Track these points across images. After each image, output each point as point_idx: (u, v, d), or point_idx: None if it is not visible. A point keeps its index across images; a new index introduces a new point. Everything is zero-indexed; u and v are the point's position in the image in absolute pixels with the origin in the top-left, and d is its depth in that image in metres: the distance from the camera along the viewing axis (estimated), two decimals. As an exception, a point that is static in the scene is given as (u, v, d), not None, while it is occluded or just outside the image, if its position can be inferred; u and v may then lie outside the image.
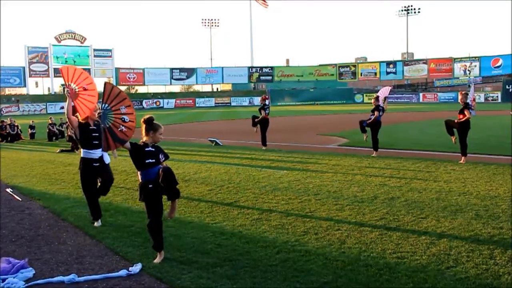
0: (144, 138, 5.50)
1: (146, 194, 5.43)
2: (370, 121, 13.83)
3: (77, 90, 6.84)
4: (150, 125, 5.48)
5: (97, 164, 7.09)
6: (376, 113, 13.79)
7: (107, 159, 7.33)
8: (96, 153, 7.08)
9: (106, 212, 7.77)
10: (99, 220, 7.13)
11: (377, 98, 14.16)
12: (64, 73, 6.82)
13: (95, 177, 7.24)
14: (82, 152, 7.15)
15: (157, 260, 5.42)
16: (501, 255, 5.33)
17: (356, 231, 6.40)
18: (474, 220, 6.76)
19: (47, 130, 23.76)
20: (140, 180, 5.50)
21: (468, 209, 7.36)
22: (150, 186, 5.38)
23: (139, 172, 5.50)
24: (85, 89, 6.89)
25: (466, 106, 11.97)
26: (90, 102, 6.95)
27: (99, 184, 7.36)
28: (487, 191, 8.63)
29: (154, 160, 5.43)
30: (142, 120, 5.47)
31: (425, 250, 5.56)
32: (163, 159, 5.52)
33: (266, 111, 16.40)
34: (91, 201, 7.16)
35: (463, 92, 12.49)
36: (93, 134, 7.00)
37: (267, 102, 16.58)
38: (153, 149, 5.47)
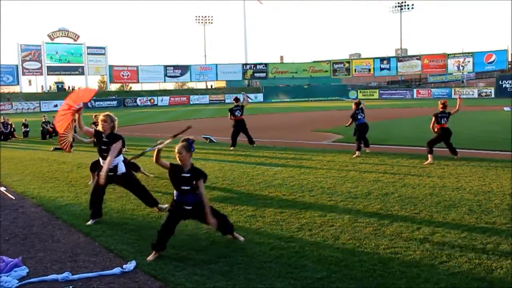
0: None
1: (177, 211, 5.64)
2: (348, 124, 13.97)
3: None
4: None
5: (112, 174, 7.14)
6: (350, 120, 13.72)
7: (120, 169, 7.25)
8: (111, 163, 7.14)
9: (100, 210, 7.77)
10: (94, 220, 7.11)
11: (356, 104, 13.91)
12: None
13: (107, 184, 7.27)
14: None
15: (150, 258, 5.42)
16: (494, 250, 5.37)
17: (350, 227, 6.42)
18: (467, 215, 6.80)
19: (41, 128, 23.65)
20: (175, 198, 5.66)
21: (462, 204, 7.40)
22: (189, 207, 5.62)
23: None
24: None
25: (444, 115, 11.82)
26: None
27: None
28: (480, 186, 8.68)
29: (189, 187, 5.57)
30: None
31: (418, 245, 5.59)
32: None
33: (236, 113, 15.61)
34: (94, 201, 7.22)
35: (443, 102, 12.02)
36: (102, 147, 7.17)
37: (239, 103, 15.85)
38: (189, 175, 5.57)
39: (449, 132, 11.81)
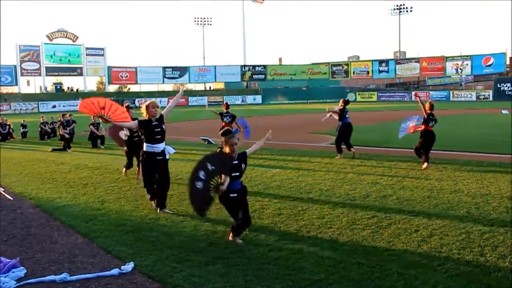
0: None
1: (226, 202, 5.98)
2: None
3: (104, 116, 7.67)
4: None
5: (160, 158, 7.64)
6: (338, 113, 13.18)
7: (170, 150, 7.81)
8: (159, 147, 7.64)
9: (98, 211, 7.78)
10: (164, 209, 7.64)
11: (345, 101, 13.37)
12: (86, 110, 7.72)
13: (156, 169, 7.71)
14: (145, 146, 7.66)
15: (237, 240, 5.93)
16: (491, 252, 5.38)
17: (348, 229, 6.43)
18: (465, 218, 6.81)
19: (39, 129, 23.64)
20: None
21: (459, 207, 7.41)
22: (235, 195, 5.94)
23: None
24: (103, 108, 7.65)
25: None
26: (120, 114, 7.89)
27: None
28: (478, 189, 8.69)
29: (238, 173, 5.94)
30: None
31: (416, 248, 5.60)
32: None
33: (224, 119, 15.13)
34: (150, 188, 7.78)
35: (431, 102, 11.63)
36: (155, 130, 7.57)
37: (229, 110, 15.39)
38: (237, 161, 5.94)
39: (433, 136, 11.25)
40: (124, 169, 11.21)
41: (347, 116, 13.23)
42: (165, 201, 7.80)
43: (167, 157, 7.80)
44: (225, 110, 15.47)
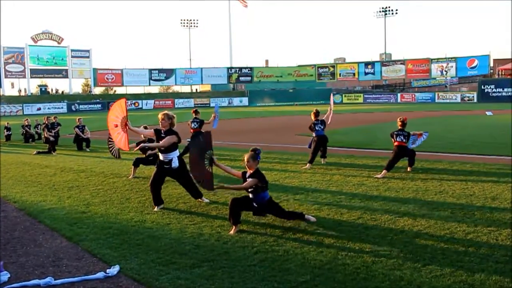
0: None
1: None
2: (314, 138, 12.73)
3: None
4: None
5: (167, 167, 8.10)
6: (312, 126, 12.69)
7: (175, 163, 8.09)
8: (167, 157, 8.08)
9: (83, 214, 7.73)
10: (159, 207, 8.02)
11: (315, 114, 12.80)
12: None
13: (163, 176, 8.28)
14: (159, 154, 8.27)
15: (232, 232, 6.44)
16: (475, 252, 5.44)
17: (334, 231, 6.45)
18: (449, 218, 6.88)
19: (23, 131, 23.38)
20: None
21: (444, 208, 7.48)
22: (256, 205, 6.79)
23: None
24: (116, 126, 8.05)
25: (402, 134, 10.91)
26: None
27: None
28: (462, 190, 8.78)
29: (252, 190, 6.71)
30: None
31: (401, 249, 5.64)
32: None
33: (192, 125, 14.91)
34: (154, 191, 8.08)
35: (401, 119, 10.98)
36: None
37: (198, 116, 15.18)
38: (250, 179, 6.66)
39: (404, 152, 10.81)
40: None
41: (317, 128, 12.58)
42: (197, 190, 8.34)
43: (173, 166, 8.06)
44: (194, 116, 15.37)
